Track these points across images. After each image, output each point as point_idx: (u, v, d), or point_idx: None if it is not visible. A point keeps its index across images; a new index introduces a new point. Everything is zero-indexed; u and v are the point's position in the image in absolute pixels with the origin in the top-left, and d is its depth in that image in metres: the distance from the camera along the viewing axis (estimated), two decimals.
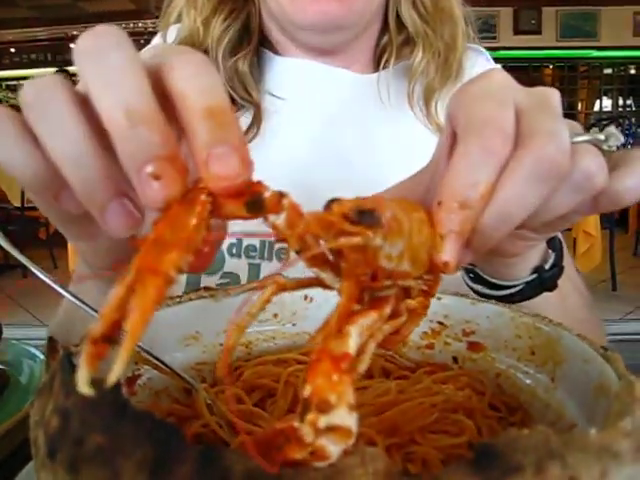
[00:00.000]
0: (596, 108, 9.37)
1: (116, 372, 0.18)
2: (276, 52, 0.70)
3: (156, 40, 0.74)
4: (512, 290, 0.39)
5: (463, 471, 0.15)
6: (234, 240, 0.61)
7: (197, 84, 0.24)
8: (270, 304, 0.40)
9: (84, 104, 0.24)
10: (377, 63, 0.71)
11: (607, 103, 9.55)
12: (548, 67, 9.28)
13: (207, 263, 0.24)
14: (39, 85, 0.25)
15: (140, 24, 8.26)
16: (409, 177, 0.33)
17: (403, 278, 0.24)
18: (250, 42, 0.68)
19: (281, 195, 0.23)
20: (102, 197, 0.24)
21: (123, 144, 0.22)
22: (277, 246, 0.61)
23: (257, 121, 0.65)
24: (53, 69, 7.86)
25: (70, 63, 8.38)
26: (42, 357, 0.52)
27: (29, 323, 3.50)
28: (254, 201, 0.22)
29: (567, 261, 0.46)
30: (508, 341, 0.35)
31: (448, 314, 0.39)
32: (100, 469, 0.18)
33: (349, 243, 0.21)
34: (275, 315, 0.41)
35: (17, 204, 4.75)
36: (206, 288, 0.38)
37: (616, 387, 0.24)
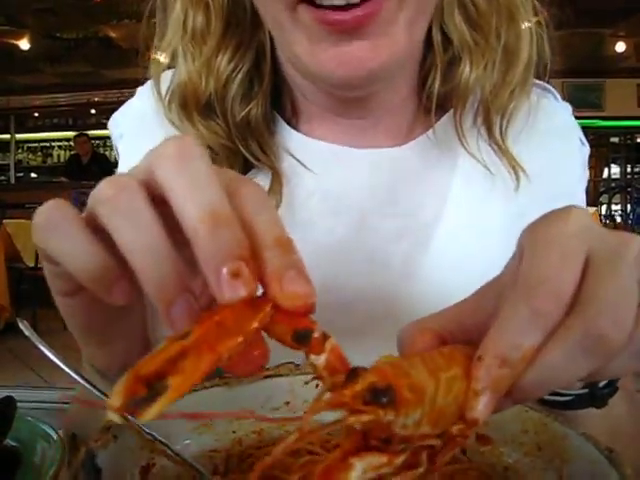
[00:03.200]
0: (605, 175, 9.47)
1: (152, 413, 0.20)
2: (292, 115, 0.60)
3: (145, 90, 0.63)
4: (561, 398, 0.38)
5: None
6: None
7: (266, 217, 0.26)
8: (282, 392, 0.41)
9: (158, 204, 0.27)
10: (421, 87, 0.60)
11: (615, 170, 9.66)
12: None
13: (254, 369, 0.25)
14: (118, 183, 0.27)
15: None
16: (474, 294, 0.30)
17: (421, 440, 0.24)
18: (262, 85, 0.57)
19: (325, 337, 0.25)
20: (172, 291, 0.25)
21: (206, 243, 0.24)
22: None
23: (276, 192, 0.55)
24: (74, 133, 8.13)
25: (89, 127, 8.63)
26: (55, 437, 0.52)
27: (37, 385, 3.48)
28: (303, 334, 0.25)
29: None
30: (515, 435, 0.36)
31: None
32: None
33: (359, 421, 0.23)
34: (287, 403, 0.41)
35: (31, 264, 4.80)
36: (220, 377, 0.39)
37: None
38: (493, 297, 0.28)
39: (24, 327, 0.35)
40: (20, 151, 9.18)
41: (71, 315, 0.34)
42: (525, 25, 0.55)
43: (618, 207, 6.68)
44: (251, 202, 0.27)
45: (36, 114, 8.98)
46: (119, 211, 0.26)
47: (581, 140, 0.65)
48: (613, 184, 9.24)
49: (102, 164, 7.47)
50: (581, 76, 8.73)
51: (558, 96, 0.65)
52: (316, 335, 0.25)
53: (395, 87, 0.57)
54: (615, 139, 9.72)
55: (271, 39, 0.56)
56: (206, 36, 0.55)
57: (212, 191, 0.26)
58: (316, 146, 0.58)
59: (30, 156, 9.29)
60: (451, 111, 0.59)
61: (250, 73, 0.56)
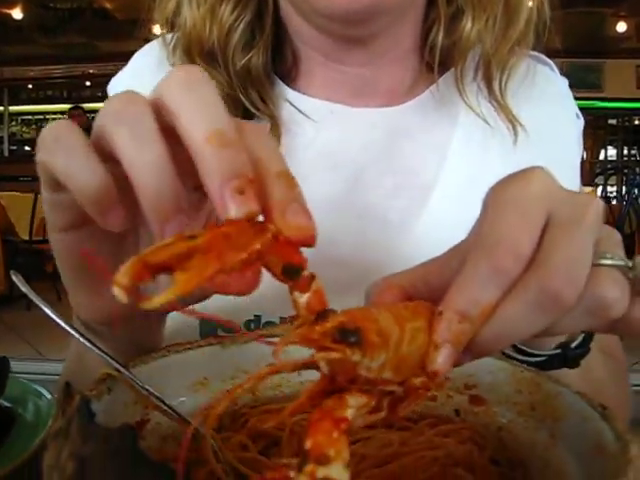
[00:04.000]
0: (601, 157, 9.48)
1: (156, 302, 0.20)
2: (293, 72, 0.60)
3: (143, 51, 0.65)
4: (536, 359, 0.39)
5: None
6: (252, 317, 0.55)
7: (270, 151, 0.27)
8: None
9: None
10: (424, 42, 0.60)
11: (612, 152, 9.66)
12: None
13: (250, 289, 0.25)
14: (126, 99, 0.28)
15: None
16: (442, 255, 0.31)
17: (384, 385, 0.25)
18: (263, 35, 0.58)
19: (312, 277, 0.26)
20: (169, 209, 0.25)
21: (212, 161, 0.25)
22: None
23: (275, 135, 0.56)
24: (69, 105, 8.05)
25: (85, 100, 8.55)
26: (49, 396, 0.53)
27: (32, 357, 3.49)
28: (294, 269, 0.25)
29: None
30: (509, 395, 0.36)
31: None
32: None
33: (327, 357, 0.23)
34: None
35: (25, 237, 4.80)
36: (215, 336, 0.39)
37: (613, 447, 0.24)
38: (460, 258, 0.29)
39: (18, 281, 0.35)
40: (14, 124, 9.07)
41: (65, 255, 0.33)
42: None
43: (614, 189, 6.70)
44: (255, 137, 0.27)
45: (30, 86, 8.87)
46: (125, 124, 0.26)
47: (577, 114, 0.65)
48: (609, 165, 9.27)
49: None
50: (581, 56, 8.67)
51: (556, 69, 0.66)
52: (305, 273, 0.26)
53: (397, 35, 0.57)
54: (613, 121, 9.70)
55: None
56: None
57: (219, 113, 0.26)
58: (313, 102, 0.58)
59: (24, 129, 9.20)
60: (452, 70, 0.59)
61: (252, 23, 0.57)
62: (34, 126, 9.22)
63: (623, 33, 7.94)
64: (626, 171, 4.99)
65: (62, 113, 8.73)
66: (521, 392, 0.35)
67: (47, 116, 9.13)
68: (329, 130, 0.58)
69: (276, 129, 0.56)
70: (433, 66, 0.58)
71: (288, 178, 0.26)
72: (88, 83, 8.81)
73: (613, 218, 4.56)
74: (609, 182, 6.61)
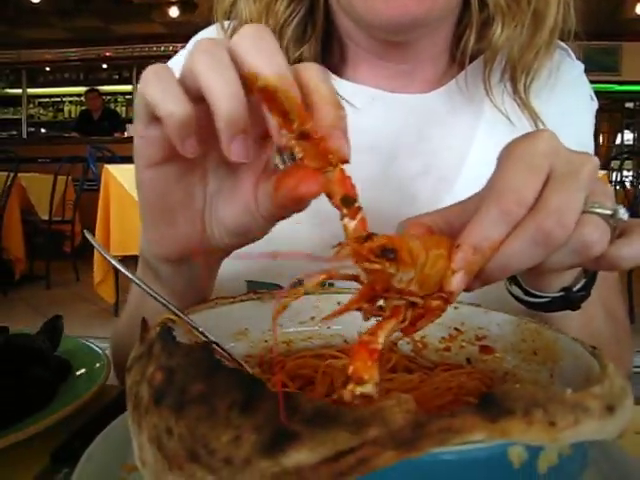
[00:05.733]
0: (618, 141, 9.38)
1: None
2: (339, 59, 0.66)
3: (210, 31, 0.69)
4: (541, 300, 0.44)
5: (470, 412, 0.21)
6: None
7: (322, 83, 0.34)
8: (309, 308, 0.46)
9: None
10: (456, 46, 0.65)
11: (629, 137, 9.54)
12: None
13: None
14: (209, 42, 0.33)
15: (170, 47, 8.49)
16: (462, 200, 0.37)
17: (410, 295, 0.31)
18: (314, 30, 0.62)
19: (360, 208, 0.33)
20: (237, 127, 0.31)
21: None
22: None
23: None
24: (85, 88, 8.12)
25: (101, 82, 8.53)
26: (100, 351, 0.58)
27: None
28: (349, 200, 0.33)
29: (605, 290, 0.54)
30: (514, 344, 0.41)
31: (464, 321, 0.44)
32: (201, 408, 0.24)
33: (370, 267, 0.29)
34: (312, 318, 0.47)
35: (45, 217, 4.86)
36: (254, 291, 0.44)
37: (598, 376, 0.29)
38: (477, 203, 0.34)
39: (90, 238, 0.40)
40: (31, 106, 9.16)
41: (149, 190, 0.39)
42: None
43: (630, 173, 6.64)
44: (311, 72, 0.34)
45: (47, 69, 8.93)
46: (207, 56, 0.32)
47: (591, 96, 0.70)
48: (626, 149, 9.18)
49: (113, 119, 7.45)
50: (598, 39, 8.56)
51: (572, 55, 0.70)
52: (356, 204, 0.33)
53: (434, 38, 0.63)
54: (630, 104, 9.58)
55: None
56: None
57: (280, 60, 0.32)
58: (357, 89, 0.64)
59: (41, 111, 9.28)
60: (475, 62, 0.64)
61: (305, 19, 0.62)
62: (51, 108, 9.29)
63: None
64: None
65: (78, 96, 8.81)
66: (525, 341, 0.40)
67: (64, 98, 9.20)
68: (369, 114, 0.64)
69: None
70: (463, 62, 0.64)
71: (335, 105, 0.33)
72: (104, 66, 8.85)
73: (628, 202, 4.53)
74: (624, 166, 6.57)
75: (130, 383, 0.29)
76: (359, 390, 0.27)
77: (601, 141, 9.58)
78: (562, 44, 0.68)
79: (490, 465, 0.22)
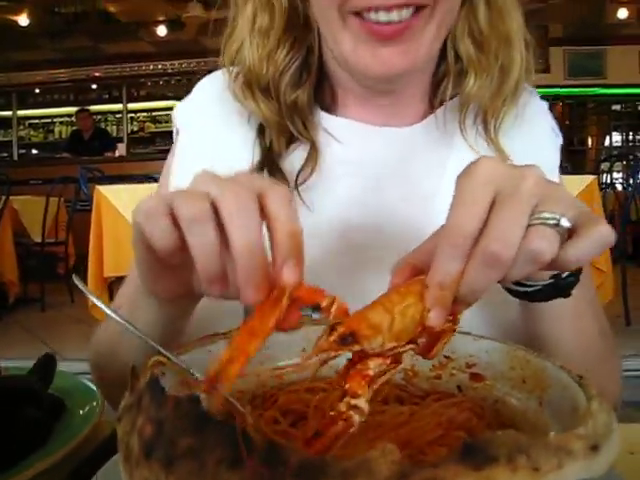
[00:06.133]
0: (607, 143, 9.45)
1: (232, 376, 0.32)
2: (330, 100, 0.73)
3: (204, 83, 0.76)
4: (532, 289, 0.46)
5: (453, 461, 0.21)
6: None
7: (285, 212, 0.38)
8: (299, 339, 0.47)
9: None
10: (434, 93, 0.72)
11: (617, 138, 9.62)
12: (557, 104, 9.43)
13: (291, 328, 0.38)
14: (242, 193, 0.38)
15: (159, 66, 8.54)
16: (431, 236, 0.41)
17: (392, 350, 0.36)
18: (309, 76, 0.69)
19: (332, 301, 0.37)
20: (254, 271, 0.37)
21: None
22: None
23: (313, 157, 0.68)
24: (75, 108, 8.13)
25: (90, 102, 8.56)
26: (93, 387, 0.58)
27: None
28: (316, 307, 0.38)
29: (589, 290, 0.58)
30: (504, 372, 0.41)
31: (454, 349, 0.45)
32: (190, 463, 0.24)
33: (337, 356, 0.36)
34: (303, 349, 0.47)
35: (38, 239, 4.86)
36: None
37: (584, 407, 0.30)
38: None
39: (77, 281, 0.40)
40: (22, 127, 9.16)
41: (145, 261, 0.43)
42: (516, 51, 0.68)
43: (619, 175, 6.69)
44: (279, 205, 0.38)
45: (37, 90, 8.94)
46: (239, 215, 0.37)
47: (554, 131, 0.76)
48: (615, 152, 9.26)
49: (104, 139, 7.46)
50: (582, 44, 8.66)
51: (536, 95, 0.77)
52: (324, 304, 0.37)
53: (415, 84, 0.71)
54: (617, 107, 9.67)
55: (319, 39, 0.69)
56: (270, 33, 0.68)
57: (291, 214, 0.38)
58: (345, 123, 0.71)
59: (32, 132, 9.28)
60: (451, 102, 0.71)
61: (301, 66, 0.69)
62: (41, 130, 9.29)
63: (624, 19, 7.88)
64: (631, 157, 4.97)
65: (69, 116, 8.82)
66: (514, 368, 0.41)
67: (54, 119, 9.21)
68: (355, 146, 0.70)
69: (314, 150, 0.68)
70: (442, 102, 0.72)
71: (296, 236, 0.38)
72: (94, 86, 8.87)
73: (619, 205, 4.55)
74: (615, 169, 6.62)
75: (121, 434, 0.29)
76: (354, 402, 0.32)
77: (590, 144, 9.68)
78: (528, 86, 0.74)
79: None
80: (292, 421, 0.41)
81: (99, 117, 8.73)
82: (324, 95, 0.73)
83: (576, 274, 0.45)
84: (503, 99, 0.68)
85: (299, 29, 0.68)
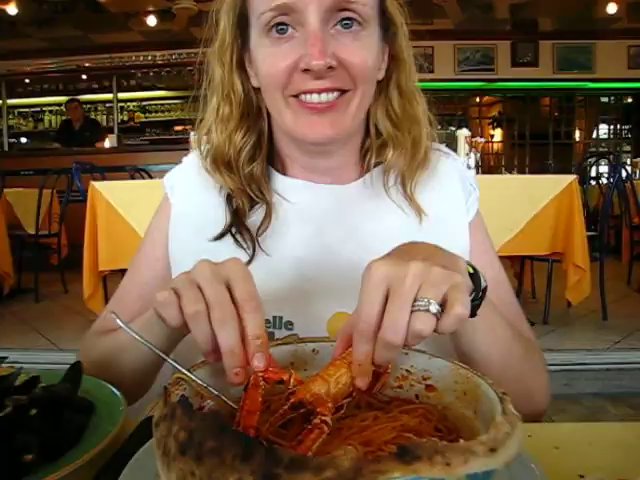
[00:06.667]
0: (595, 135, 9.58)
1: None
2: (283, 171, 0.91)
3: (190, 157, 0.97)
4: None
5: (391, 458, 0.32)
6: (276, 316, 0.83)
7: (256, 320, 0.54)
8: (289, 356, 0.57)
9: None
10: (363, 160, 0.91)
11: (605, 129, 9.75)
12: (546, 97, 9.55)
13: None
14: (225, 304, 0.55)
15: (150, 56, 8.57)
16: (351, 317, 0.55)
17: (332, 407, 0.50)
18: (261, 153, 0.88)
19: (290, 376, 0.53)
20: (236, 365, 0.52)
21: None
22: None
23: (268, 215, 0.86)
24: (65, 97, 8.15)
25: (80, 92, 8.52)
26: (117, 391, 0.68)
27: (42, 345, 3.63)
28: (281, 382, 0.52)
29: (511, 316, 0.76)
30: (450, 385, 0.53)
31: (413, 364, 0.56)
32: (214, 458, 0.35)
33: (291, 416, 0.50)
34: (292, 363, 0.58)
35: (32, 231, 4.91)
36: None
37: (499, 418, 0.41)
38: None
39: (115, 317, 0.51)
40: (11, 117, 9.16)
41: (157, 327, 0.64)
42: (423, 128, 0.87)
43: (606, 169, 6.84)
44: (244, 301, 0.54)
45: (27, 80, 8.94)
46: (222, 321, 0.54)
47: (472, 185, 0.94)
48: (602, 144, 9.41)
49: (94, 129, 7.47)
50: (572, 38, 8.77)
51: (453, 156, 0.96)
52: (285, 378, 0.52)
53: (347, 152, 0.89)
54: (605, 99, 9.81)
55: (269, 124, 0.88)
56: (229, 120, 0.86)
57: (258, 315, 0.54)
58: (294, 182, 0.90)
59: (22, 121, 9.29)
60: (380, 166, 0.90)
61: (254, 145, 0.88)
62: (31, 119, 9.30)
63: (614, 14, 7.97)
64: (611, 157, 5.10)
65: (58, 105, 8.83)
66: (457, 383, 0.52)
67: (44, 108, 9.21)
68: (303, 199, 0.88)
69: (269, 209, 0.86)
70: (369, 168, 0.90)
71: (261, 341, 0.53)
72: (84, 76, 8.87)
73: (604, 199, 4.64)
74: (601, 162, 6.79)
75: (159, 436, 0.40)
76: (323, 418, 0.46)
77: (577, 137, 9.83)
78: (447, 151, 0.95)
79: None
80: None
81: (89, 106, 8.76)
82: (275, 162, 0.92)
83: (480, 299, 0.58)
84: (416, 165, 0.87)
85: (252, 117, 0.87)
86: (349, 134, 0.84)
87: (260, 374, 0.52)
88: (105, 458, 0.56)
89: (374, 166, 0.90)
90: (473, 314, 0.57)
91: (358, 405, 0.54)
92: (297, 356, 0.58)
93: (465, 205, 0.92)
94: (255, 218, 0.87)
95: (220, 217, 0.87)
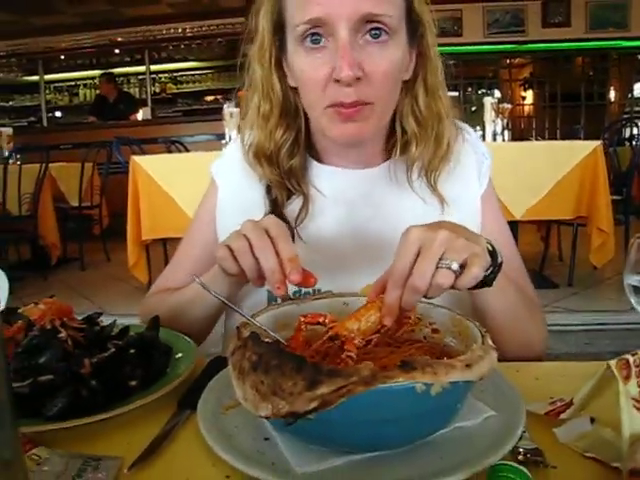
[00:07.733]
0: (630, 96, 9.33)
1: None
2: (318, 158, 1.01)
3: (233, 143, 1.10)
4: None
5: (397, 369, 0.48)
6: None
7: (288, 248, 0.71)
8: (325, 307, 0.73)
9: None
10: (389, 152, 1.00)
11: None
12: (578, 58, 9.32)
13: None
14: (262, 236, 0.72)
15: (180, 29, 8.67)
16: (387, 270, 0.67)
17: (363, 337, 0.65)
18: (299, 149, 0.98)
19: (326, 316, 0.69)
20: (277, 281, 0.70)
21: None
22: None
23: (306, 206, 0.97)
24: (98, 71, 8.34)
25: (114, 65, 8.61)
26: (188, 339, 0.86)
27: (90, 310, 3.87)
28: (318, 323, 0.69)
29: (515, 278, 0.89)
30: (449, 328, 0.68)
31: (422, 313, 0.72)
32: (276, 371, 0.51)
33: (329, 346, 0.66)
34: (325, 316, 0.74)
35: (75, 203, 5.14)
36: (290, 298, 0.72)
37: (477, 347, 0.56)
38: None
39: (198, 281, 0.68)
40: (47, 92, 9.40)
41: (220, 279, 0.81)
42: (447, 122, 0.96)
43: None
44: (282, 241, 0.71)
45: (62, 56, 9.14)
46: (262, 249, 0.72)
47: (484, 155, 1.04)
48: (637, 105, 9.19)
49: (128, 102, 7.61)
50: None
51: (467, 130, 1.04)
52: (321, 320, 0.69)
53: (374, 143, 0.99)
54: None
55: (306, 121, 0.97)
56: (270, 117, 0.96)
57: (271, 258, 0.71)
58: (329, 169, 1.01)
59: (57, 96, 9.53)
60: (404, 155, 0.98)
61: (293, 142, 0.97)
62: (66, 93, 9.53)
63: None
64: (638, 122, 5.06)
65: (92, 79, 9.03)
66: (455, 326, 0.67)
67: (78, 82, 9.42)
68: (336, 183, 1.00)
69: (306, 200, 0.98)
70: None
71: (295, 260, 0.69)
72: (117, 50, 9.02)
73: (632, 161, 4.59)
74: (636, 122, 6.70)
75: (234, 361, 0.57)
76: (349, 353, 0.60)
77: (612, 98, 9.62)
78: (461, 125, 1.02)
79: (406, 392, 0.49)
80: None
81: (122, 79, 8.93)
82: (314, 152, 1.02)
83: (495, 272, 0.71)
84: (439, 159, 0.96)
85: (291, 115, 0.96)
86: (375, 133, 0.93)
87: (302, 319, 0.68)
88: (186, 386, 0.74)
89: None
90: (490, 284, 0.71)
91: (377, 344, 0.70)
92: (332, 307, 0.74)
93: (478, 179, 1.02)
94: (292, 207, 0.97)
95: (261, 207, 0.98)
